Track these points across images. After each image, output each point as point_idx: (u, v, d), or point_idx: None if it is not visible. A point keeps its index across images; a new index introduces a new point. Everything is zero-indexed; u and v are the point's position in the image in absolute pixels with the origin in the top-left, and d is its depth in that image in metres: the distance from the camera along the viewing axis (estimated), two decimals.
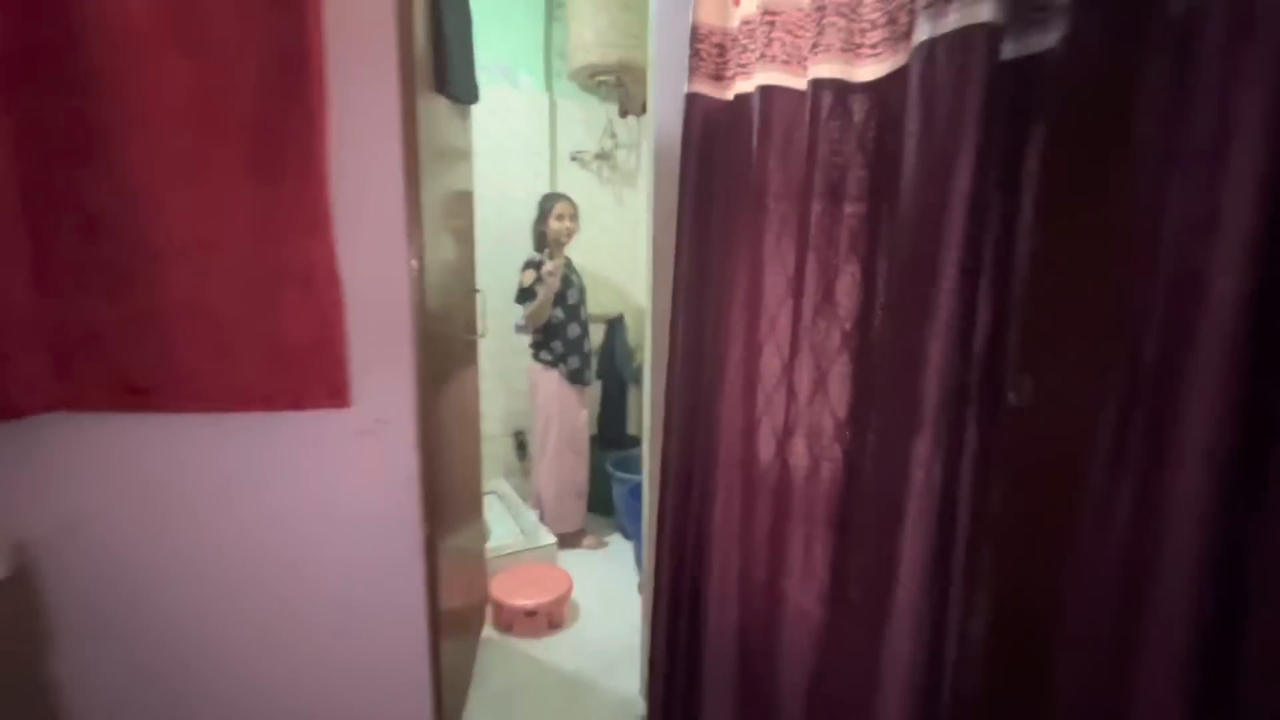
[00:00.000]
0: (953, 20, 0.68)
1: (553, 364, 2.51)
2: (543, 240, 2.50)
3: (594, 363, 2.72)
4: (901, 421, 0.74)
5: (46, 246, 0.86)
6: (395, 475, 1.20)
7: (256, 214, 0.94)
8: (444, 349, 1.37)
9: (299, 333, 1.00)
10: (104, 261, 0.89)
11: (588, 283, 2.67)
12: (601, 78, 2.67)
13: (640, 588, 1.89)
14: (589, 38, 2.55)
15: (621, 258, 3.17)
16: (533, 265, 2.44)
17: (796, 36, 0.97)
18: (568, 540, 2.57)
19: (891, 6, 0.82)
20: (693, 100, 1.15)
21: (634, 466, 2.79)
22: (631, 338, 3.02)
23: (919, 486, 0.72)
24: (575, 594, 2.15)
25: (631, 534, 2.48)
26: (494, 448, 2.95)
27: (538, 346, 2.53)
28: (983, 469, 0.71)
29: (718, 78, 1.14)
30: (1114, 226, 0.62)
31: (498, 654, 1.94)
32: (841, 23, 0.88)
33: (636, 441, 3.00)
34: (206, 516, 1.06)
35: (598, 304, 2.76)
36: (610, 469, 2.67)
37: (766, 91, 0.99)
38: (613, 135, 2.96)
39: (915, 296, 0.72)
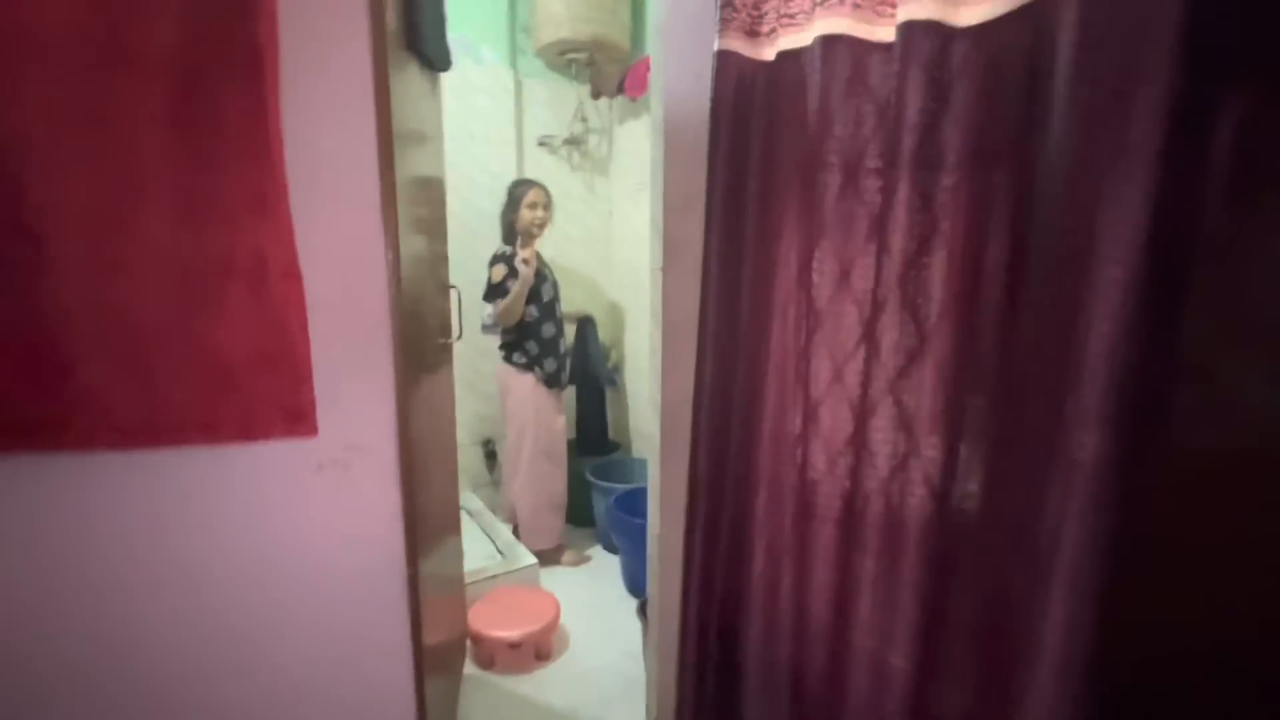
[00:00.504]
0: None
1: (527, 367, 2.29)
2: (511, 231, 2.28)
3: (569, 365, 2.51)
4: (1048, 443, 0.60)
5: None
6: (374, 510, 0.99)
7: (184, 185, 0.70)
8: (418, 355, 1.15)
9: (245, 342, 0.78)
10: None
11: (556, 278, 2.44)
12: (572, 55, 2.47)
13: (640, 611, 1.71)
14: (559, 10, 2.34)
15: (594, 251, 2.97)
16: (502, 259, 2.21)
17: None
18: (546, 557, 2.36)
19: None
20: (724, 60, 0.97)
21: (615, 474, 2.61)
22: (604, 336, 2.83)
23: (1075, 520, 0.58)
24: (562, 620, 1.95)
25: (619, 548, 2.30)
26: (461, 458, 2.70)
27: (510, 348, 2.31)
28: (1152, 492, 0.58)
29: (752, 33, 0.97)
30: None
31: (481, 693, 1.72)
32: None
33: (617, 447, 2.83)
34: (135, 574, 0.84)
35: (569, 301, 2.55)
36: (590, 477, 2.48)
37: (830, 44, 0.83)
38: (583, 119, 2.75)
39: (1069, 288, 0.58)
